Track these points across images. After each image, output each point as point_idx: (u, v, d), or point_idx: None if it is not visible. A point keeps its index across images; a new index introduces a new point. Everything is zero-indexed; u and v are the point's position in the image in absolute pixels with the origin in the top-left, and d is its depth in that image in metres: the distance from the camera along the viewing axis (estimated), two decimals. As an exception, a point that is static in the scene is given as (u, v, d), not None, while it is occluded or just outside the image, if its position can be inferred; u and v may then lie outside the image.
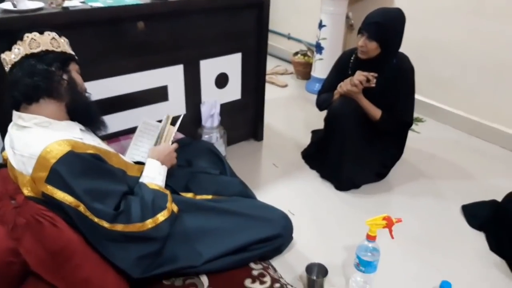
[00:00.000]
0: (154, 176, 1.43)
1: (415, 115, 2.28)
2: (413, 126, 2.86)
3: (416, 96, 2.15)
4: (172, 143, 1.65)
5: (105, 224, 1.19)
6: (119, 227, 1.21)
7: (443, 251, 1.81)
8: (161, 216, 1.30)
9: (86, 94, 1.42)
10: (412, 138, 2.49)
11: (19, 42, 1.25)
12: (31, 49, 1.25)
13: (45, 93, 1.26)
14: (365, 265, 1.49)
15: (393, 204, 2.12)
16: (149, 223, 1.26)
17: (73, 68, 1.36)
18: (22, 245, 1.12)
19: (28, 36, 1.25)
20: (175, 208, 1.40)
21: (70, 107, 1.32)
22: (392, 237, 1.50)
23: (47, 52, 1.27)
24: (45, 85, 1.25)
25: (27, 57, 1.25)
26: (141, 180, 1.41)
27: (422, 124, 2.98)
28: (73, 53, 1.38)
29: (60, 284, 1.13)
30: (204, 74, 2.23)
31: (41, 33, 1.28)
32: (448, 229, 1.94)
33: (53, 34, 1.30)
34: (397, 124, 2.12)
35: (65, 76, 1.31)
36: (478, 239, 1.89)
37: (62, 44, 1.32)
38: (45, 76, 1.25)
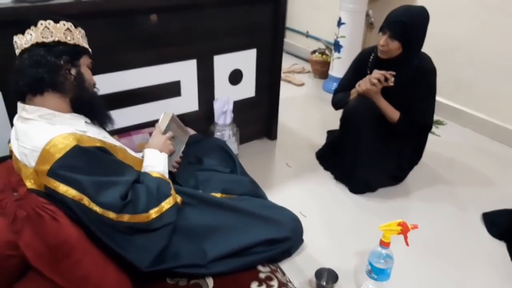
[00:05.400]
0: (155, 164, 1.41)
1: (435, 117, 2.20)
2: (433, 129, 2.77)
3: (437, 97, 2.06)
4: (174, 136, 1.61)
5: (111, 215, 1.16)
6: (125, 217, 1.18)
7: (461, 260, 1.72)
8: (166, 204, 1.27)
9: (94, 89, 1.37)
10: (432, 141, 2.41)
11: (32, 27, 1.21)
12: (43, 38, 1.21)
13: (50, 86, 1.22)
14: (377, 273, 1.43)
15: (410, 209, 2.04)
16: (154, 212, 1.23)
17: (84, 62, 1.32)
18: (21, 238, 1.09)
19: (42, 24, 1.21)
20: (178, 199, 1.37)
21: (75, 101, 1.28)
22: (407, 244, 1.43)
23: (58, 43, 1.23)
24: (50, 78, 1.21)
25: (37, 45, 1.21)
26: (143, 170, 1.38)
27: (442, 127, 2.88)
28: (87, 46, 1.34)
29: (58, 279, 1.10)
30: (218, 69, 2.19)
31: (56, 22, 1.23)
32: (466, 237, 1.86)
33: (69, 25, 1.25)
34: (416, 127, 2.03)
35: (73, 71, 1.27)
36: (499, 248, 1.80)
37: (77, 36, 1.28)
38: (52, 68, 1.21)
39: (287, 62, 3.80)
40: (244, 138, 2.47)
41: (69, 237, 1.11)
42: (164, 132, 1.56)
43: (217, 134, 2.22)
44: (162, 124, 1.57)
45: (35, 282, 1.12)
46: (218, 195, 1.56)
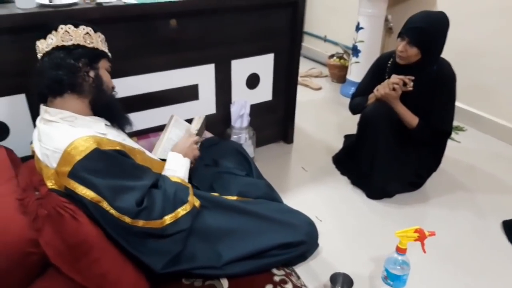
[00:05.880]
0: (176, 168, 1.42)
1: (456, 123, 2.16)
2: (453, 135, 2.72)
3: (457, 103, 2.03)
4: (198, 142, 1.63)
5: (127, 220, 1.18)
6: (140, 223, 1.20)
7: (479, 269, 1.69)
8: (182, 210, 1.28)
9: (113, 93, 1.41)
10: (452, 147, 2.37)
11: (53, 32, 1.27)
12: (62, 41, 1.26)
13: (69, 88, 1.26)
14: (393, 279, 1.42)
15: (427, 216, 2.02)
16: (168, 218, 1.24)
17: (103, 66, 1.36)
18: (42, 236, 1.12)
19: (62, 28, 1.26)
20: (196, 203, 1.38)
21: (93, 104, 1.32)
22: (424, 251, 1.41)
23: (77, 46, 1.28)
24: (68, 79, 1.25)
25: (57, 49, 1.26)
26: (163, 173, 1.40)
27: (463, 133, 2.83)
28: (106, 50, 1.37)
29: (77, 277, 1.13)
30: (236, 74, 2.21)
31: (76, 26, 1.28)
32: (485, 245, 1.82)
33: (88, 29, 1.30)
34: (435, 133, 2.00)
35: (91, 73, 1.30)
36: (520, 258, 1.76)
37: (96, 40, 1.32)
38: (71, 70, 1.26)
39: (304, 66, 3.80)
40: (260, 141, 2.48)
41: (88, 236, 1.14)
42: (196, 135, 1.58)
43: (234, 137, 2.24)
44: (194, 128, 1.60)
45: (54, 279, 1.15)
46: (234, 198, 1.57)
